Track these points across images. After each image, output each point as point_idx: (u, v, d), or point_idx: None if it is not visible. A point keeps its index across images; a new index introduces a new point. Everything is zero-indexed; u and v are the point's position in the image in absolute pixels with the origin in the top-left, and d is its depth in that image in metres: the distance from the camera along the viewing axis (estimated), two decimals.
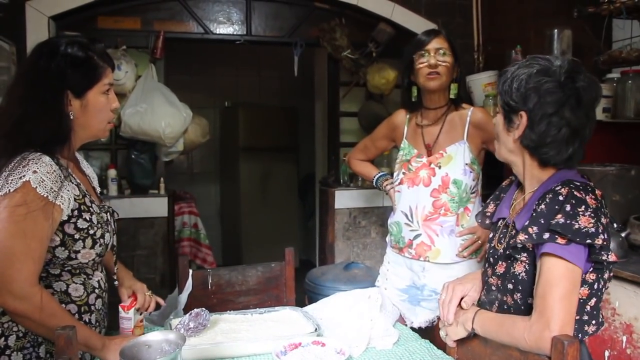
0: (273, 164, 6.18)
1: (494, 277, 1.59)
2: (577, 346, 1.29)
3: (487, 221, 1.74)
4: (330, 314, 1.91)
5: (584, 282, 1.41)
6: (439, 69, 2.20)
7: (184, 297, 2.17)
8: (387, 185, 2.51)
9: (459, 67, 2.28)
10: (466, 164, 2.21)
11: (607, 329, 2.30)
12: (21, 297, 1.43)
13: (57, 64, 1.56)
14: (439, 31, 2.28)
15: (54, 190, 1.48)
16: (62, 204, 1.51)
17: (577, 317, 1.42)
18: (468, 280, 1.70)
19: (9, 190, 1.44)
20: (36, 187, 1.45)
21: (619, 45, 2.92)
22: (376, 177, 2.58)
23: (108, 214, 1.73)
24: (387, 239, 2.46)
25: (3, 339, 1.51)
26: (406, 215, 2.30)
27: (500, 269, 1.56)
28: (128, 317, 1.73)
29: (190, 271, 2.24)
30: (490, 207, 1.73)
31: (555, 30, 3.17)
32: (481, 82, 3.90)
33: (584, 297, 1.42)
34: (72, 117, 1.58)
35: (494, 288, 1.58)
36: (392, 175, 2.48)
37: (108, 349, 1.54)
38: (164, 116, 3.62)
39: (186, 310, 2.09)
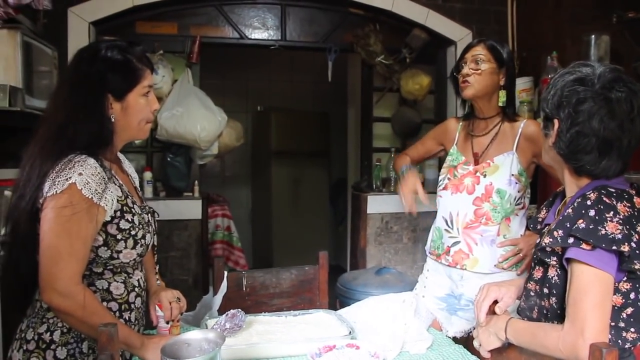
0: (304, 169, 6.21)
1: (531, 283, 1.58)
2: (615, 354, 1.27)
3: (539, 227, 1.73)
4: (364, 317, 1.91)
5: (617, 290, 1.39)
6: (470, 78, 2.20)
7: (218, 299, 2.20)
8: (407, 174, 2.42)
9: (510, 74, 2.24)
10: (512, 175, 2.18)
11: None
12: (65, 295, 1.47)
13: (97, 67, 1.60)
14: (481, 40, 2.26)
15: (98, 192, 1.53)
16: (106, 205, 1.56)
17: (613, 324, 1.40)
18: (504, 285, 1.70)
19: (56, 191, 1.49)
20: (81, 189, 1.49)
21: None
22: (404, 168, 2.51)
23: (149, 214, 1.77)
24: (426, 246, 2.44)
25: (49, 333, 1.56)
26: (446, 222, 2.29)
27: (538, 274, 1.55)
28: (164, 316, 1.76)
29: (225, 273, 2.26)
30: (542, 213, 1.71)
31: (593, 36, 3.13)
32: (516, 88, 3.86)
33: (619, 306, 1.40)
34: (113, 120, 1.62)
35: (532, 293, 1.57)
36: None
37: (147, 348, 1.57)
38: (200, 120, 3.67)
39: (221, 311, 2.12)
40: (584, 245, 1.35)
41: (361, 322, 1.88)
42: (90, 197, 1.50)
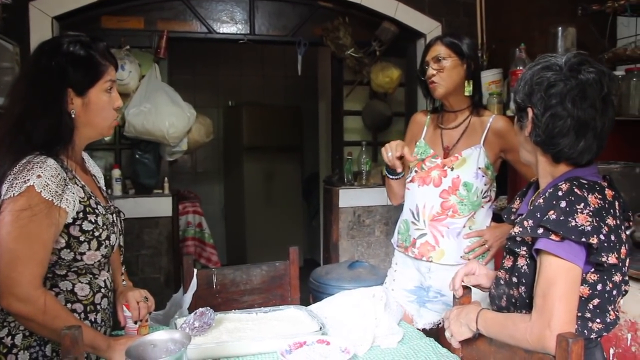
0: (277, 164, 6.19)
1: (501, 271, 1.60)
2: (581, 344, 1.29)
3: (513, 217, 1.74)
4: (335, 312, 1.90)
5: (584, 281, 1.40)
6: (436, 78, 2.22)
7: (188, 297, 2.18)
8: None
9: (471, 64, 2.24)
10: (479, 168, 2.20)
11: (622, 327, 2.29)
12: (25, 300, 1.43)
13: (58, 61, 1.56)
14: (437, 38, 2.29)
15: (59, 194, 1.49)
16: (67, 207, 1.52)
17: (579, 314, 1.41)
18: (482, 266, 1.77)
19: (14, 194, 1.45)
20: (40, 191, 1.45)
21: (624, 42, 2.91)
22: (385, 169, 2.42)
23: (114, 214, 1.73)
24: (393, 239, 2.44)
25: (10, 337, 1.52)
26: (413, 214, 2.29)
27: (508, 262, 1.57)
28: (132, 316, 1.73)
29: (195, 270, 2.24)
30: (516, 203, 1.73)
31: (560, 28, 3.16)
32: (485, 80, 3.88)
33: (585, 297, 1.41)
34: (73, 116, 1.58)
35: (502, 282, 1.58)
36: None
37: (113, 350, 1.54)
38: (168, 116, 3.63)
39: (191, 309, 2.10)
40: (553, 237, 1.35)
41: (332, 318, 1.88)
42: (50, 199, 1.47)
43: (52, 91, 1.55)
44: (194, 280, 2.21)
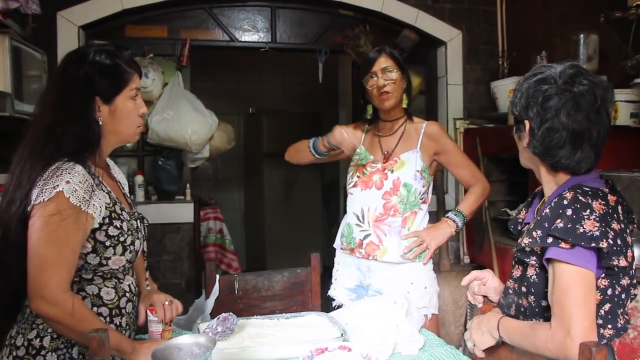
0: (297, 170, 6.18)
1: (511, 281, 1.60)
2: (605, 353, 1.28)
3: (520, 227, 1.74)
4: (356, 319, 1.91)
5: (595, 287, 1.40)
6: (388, 88, 2.31)
7: (210, 302, 2.20)
8: (325, 141, 2.41)
9: (407, 79, 2.39)
10: (417, 170, 2.32)
11: (638, 337, 2.27)
12: (53, 303, 1.46)
13: (85, 71, 1.60)
14: (382, 49, 2.38)
15: (86, 200, 1.52)
16: (94, 212, 1.55)
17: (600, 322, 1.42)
18: (491, 274, 1.77)
19: (43, 199, 1.48)
20: (69, 196, 1.48)
21: None
22: (312, 141, 2.54)
23: (138, 220, 1.76)
24: (336, 243, 2.54)
25: (38, 339, 1.55)
26: (357, 217, 2.39)
27: (517, 272, 1.57)
28: (156, 320, 1.75)
29: (217, 276, 2.25)
30: (522, 214, 1.74)
31: (581, 36, 3.14)
32: (506, 88, 3.88)
33: (597, 302, 1.41)
34: (101, 123, 1.62)
35: (510, 291, 1.59)
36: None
37: (138, 353, 1.56)
38: (191, 123, 3.67)
39: (213, 315, 2.11)
40: (563, 244, 1.37)
41: (353, 324, 1.88)
42: (77, 204, 1.50)
43: (81, 99, 1.59)
44: (217, 285, 2.23)
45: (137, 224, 1.74)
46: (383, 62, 2.33)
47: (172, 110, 3.67)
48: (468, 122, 4.16)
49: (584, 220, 1.36)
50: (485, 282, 1.75)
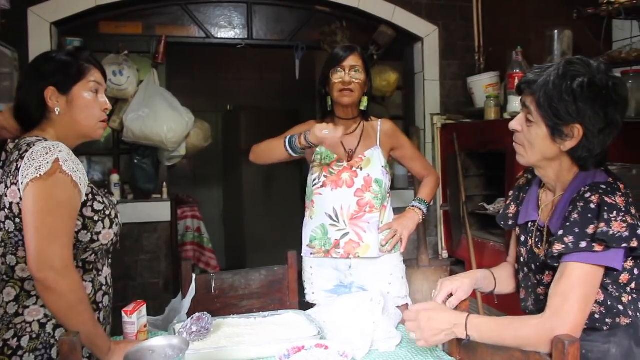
0: (276, 167, 6.15)
1: (541, 287, 1.60)
2: (577, 346, 1.31)
3: (511, 222, 1.73)
4: (333, 317, 1.91)
5: (623, 269, 1.43)
6: (352, 86, 2.33)
7: (187, 302, 2.18)
8: (305, 138, 2.32)
9: (370, 83, 2.44)
10: (382, 166, 2.40)
11: None
12: (64, 274, 1.46)
13: (42, 65, 1.67)
14: (355, 48, 2.39)
15: (75, 171, 1.54)
16: (81, 185, 1.56)
17: (631, 298, 1.47)
18: (457, 278, 1.70)
19: (40, 174, 1.48)
20: (62, 165, 1.51)
21: (619, 45, 2.91)
22: (288, 139, 2.46)
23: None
24: (303, 251, 2.47)
25: (16, 339, 1.54)
26: (331, 217, 2.39)
27: (548, 278, 1.56)
28: (131, 321, 1.73)
29: (193, 275, 2.24)
30: (512, 209, 1.73)
31: (556, 31, 3.17)
32: (482, 83, 3.91)
33: (625, 282, 1.46)
34: (57, 113, 1.63)
35: (542, 297, 1.58)
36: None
37: (113, 353, 1.56)
38: (166, 121, 3.63)
39: (189, 315, 2.09)
40: (596, 247, 1.38)
41: (330, 322, 1.88)
42: (70, 174, 1.52)
43: (35, 90, 1.63)
44: (193, 285, 2.21)
45: (109, 197, 1.77)
46: (353, 60, 2.34)
47: (147, 108, 3.63)
48: (445, 118, 4.17)
49: (612, 222, 1.37)
50: (455, 291, 1.67)
